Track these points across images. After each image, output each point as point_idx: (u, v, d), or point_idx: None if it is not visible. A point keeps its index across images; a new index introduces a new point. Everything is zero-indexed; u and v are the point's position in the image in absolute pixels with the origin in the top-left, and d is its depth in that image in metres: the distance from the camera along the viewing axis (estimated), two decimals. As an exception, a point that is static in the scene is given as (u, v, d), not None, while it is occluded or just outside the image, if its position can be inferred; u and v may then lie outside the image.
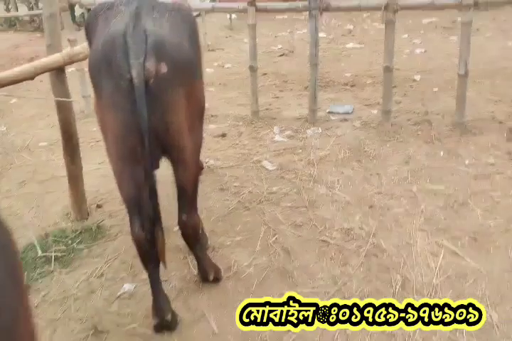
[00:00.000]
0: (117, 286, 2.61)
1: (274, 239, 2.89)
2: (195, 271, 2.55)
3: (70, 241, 2.99)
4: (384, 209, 3.00)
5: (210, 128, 4.76)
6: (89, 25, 2.17)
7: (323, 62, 6.42)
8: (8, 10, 10.63)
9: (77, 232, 3.10)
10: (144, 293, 2.46)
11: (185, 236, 2.25)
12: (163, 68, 1.74)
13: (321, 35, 8.00)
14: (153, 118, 1.77)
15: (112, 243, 3.01)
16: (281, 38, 8.35)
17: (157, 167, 2.06)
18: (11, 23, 10.36)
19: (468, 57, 3.78)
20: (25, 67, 2.50)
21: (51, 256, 2.84)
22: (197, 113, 2.09)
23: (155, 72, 1.70)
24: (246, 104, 4.94)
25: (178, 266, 2.72)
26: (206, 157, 4.13)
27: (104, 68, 1.76)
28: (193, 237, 2.28)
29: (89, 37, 2.20)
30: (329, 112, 4.64)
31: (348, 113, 4.57)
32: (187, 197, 2.13)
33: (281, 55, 7.12)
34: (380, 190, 3.22)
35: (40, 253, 2.89)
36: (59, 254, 2.87)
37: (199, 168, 2.18)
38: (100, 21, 2.02)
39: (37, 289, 2.61)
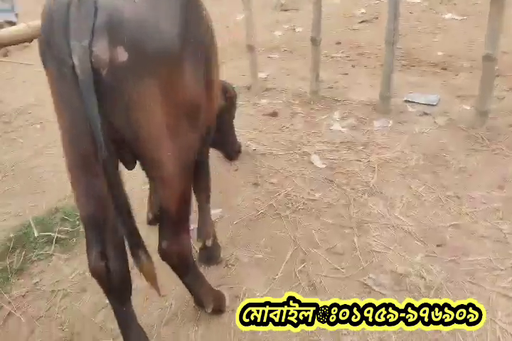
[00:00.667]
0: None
1: (301, 266, 2.27)
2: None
3: (77, 222, 2.75)
4: (458, 251, 2.22)
5: (261, 103, 4.08)
6: None
7: (412, 33, 5.36)
8: None
9: (88, 211, 2.77)
10: (135, 307, 1.99)
11: (169, 265, 1.74)
12: (122, 55, 1.25)
13: (414, 0, 6.79)
14: (116, 121, 1.33)
15: (120, 230, 2.60)
16: (368, 0, 7.19)
17: (130, 169, 1.60)
18: None
19: None
20: (21, 27, 2.01)
21: (54, 237, 2.62)
22: (185, 112, 1.48)
23: (108, 60, 1.24)
24: (309, 78, 4.13)
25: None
26: (248, 139, 3.51)
27: (46, 49, 1.33)
28: (180, 267, 1.78)
29: None
30: (407, 101, 3.72)
31: (431, 104, 3.63)
32: (168, 220, 1.62)
33: (362, 22, 6.07)
34: (458, 222, 2.41)
35: (36, 234, 2.69)
36: (62, 236, 2.66)
37: (188, 184, 1.65)
38: None
39: (30, 274, 2.41)
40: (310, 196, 2.77)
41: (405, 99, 3.73)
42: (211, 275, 2.26)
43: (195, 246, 2.39)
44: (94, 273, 1.57)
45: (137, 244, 1.52)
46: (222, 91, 2.80)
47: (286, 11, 7.11)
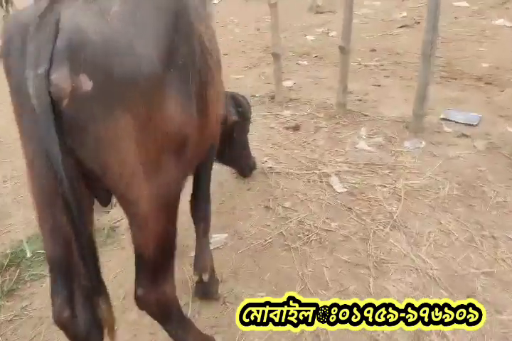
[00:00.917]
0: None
1: (307, 310, 2.00)
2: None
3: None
4: (490, 306, 1.89)
5: (283, 114, 3.84)
6: None
7: (455, 41, 4.95)
8: None
9: (89, 230, 2.65)
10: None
11: (148, 314, 1.51)
12: (85, 84, 1.07)
13: (461, 4, 6.33)
14: (82, 156, 1.15)
15: (120, 253, 2.51)
16: (411, 3, 6.79)
17: (105, 206, 1.43)
18: None
19: None
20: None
21: (49, 257, 2.48)
22: (167, 146, 1.27)
23: (69, 90, 1.07)
24: (337, 88, 3.85)
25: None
26: (265, 155, 3.28)
27: (6, 75, 1.18)
28: (160, 317, 1.54)
29: None
30: (443, 119, 3.38)
31: (471, 124, 3.27)
32: (144, 266, 1.38)
33: (401, 27, 5.70)
34: (492, 269, 2.08)
35: (28, 254, 2.59)
36: (57, 255, 2.51)
37: (169, 224, 1.39)
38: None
39: (21, 296, 2.30)
40: (325, 225, 2.50)
41: (442, 116, 3.38)
42: (205, 312, 2.06)
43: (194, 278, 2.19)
44: (59, 322, 1.37)
45: (98, 292, 1.33)
46: (235, 106, 2.59)
47: (321, 13, 6.84)
